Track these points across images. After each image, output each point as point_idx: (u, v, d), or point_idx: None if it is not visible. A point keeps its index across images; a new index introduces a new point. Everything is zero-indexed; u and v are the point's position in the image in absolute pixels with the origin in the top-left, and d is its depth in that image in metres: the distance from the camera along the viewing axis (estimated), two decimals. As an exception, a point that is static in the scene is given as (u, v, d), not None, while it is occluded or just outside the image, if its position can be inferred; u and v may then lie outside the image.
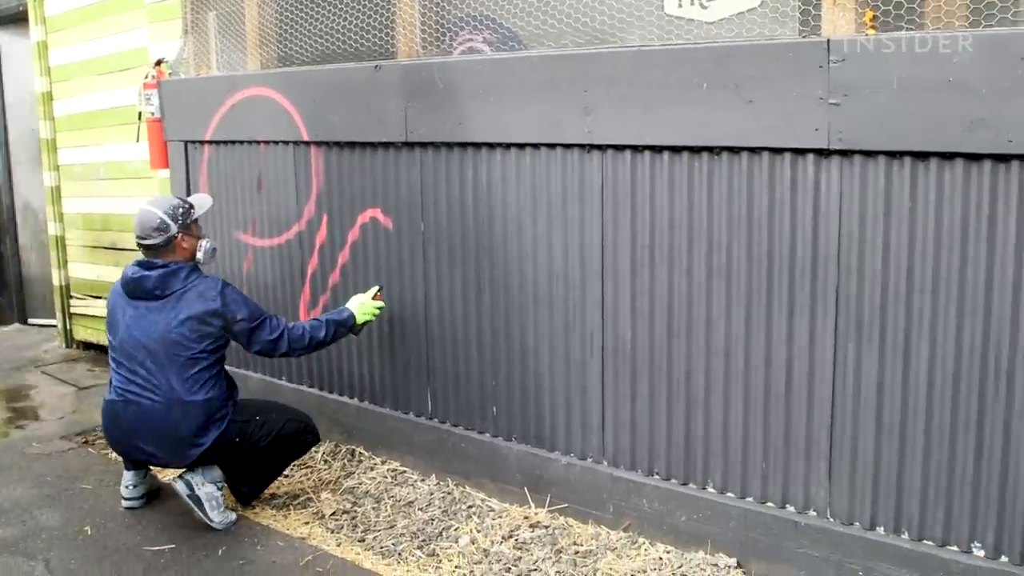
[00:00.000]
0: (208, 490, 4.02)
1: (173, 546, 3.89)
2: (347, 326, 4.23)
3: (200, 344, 3.93)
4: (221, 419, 3.98)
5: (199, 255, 4.12)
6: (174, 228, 4.00)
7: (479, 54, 4.03)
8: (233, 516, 4.10)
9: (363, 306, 4.29)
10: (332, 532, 4.01)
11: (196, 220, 4.14)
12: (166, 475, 4.41)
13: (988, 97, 2.76)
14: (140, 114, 5.60)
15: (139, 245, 4.05)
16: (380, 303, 4.36)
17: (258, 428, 4.06)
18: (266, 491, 4.33)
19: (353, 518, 4.12)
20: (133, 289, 3.99)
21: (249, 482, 4.20)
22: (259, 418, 4.08)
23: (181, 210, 4.07)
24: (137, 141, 5.76)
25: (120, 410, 4.00)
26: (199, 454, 3.94)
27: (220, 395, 4.00)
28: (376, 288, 4.39)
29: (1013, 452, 2.93)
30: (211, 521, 4.00)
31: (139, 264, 4.02)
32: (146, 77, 5.51)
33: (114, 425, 4.05)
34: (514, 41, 3.95)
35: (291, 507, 4.25)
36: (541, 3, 3.77)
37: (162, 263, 3.98)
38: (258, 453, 4.10)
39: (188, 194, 5.41)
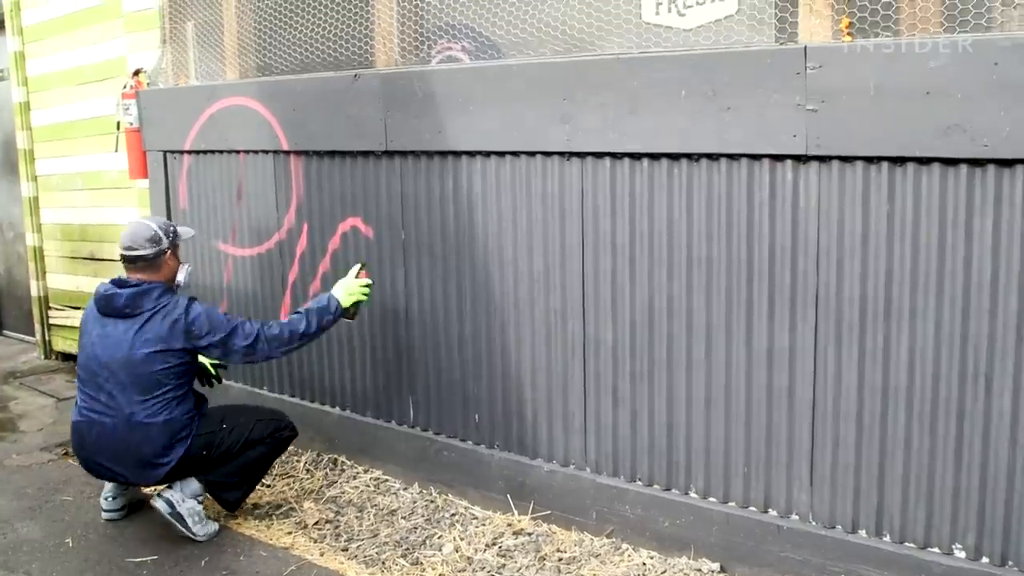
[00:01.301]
0: (189, 505, 3.99)
1: (155, 557, 3.88)
2: (332, 312, 4.07)
3: (163, 365, 3.87)
4: (185, 437, 3.93)
5: (180, 277, 4.11)
6: (165, 243, 4.01)
7: (458, 63, 4.04)
8: (215, 527, 4.09)
9: (348, 288, 4.15)
10: (315, 541, 4.00)
11: (178, 245, 4.14)
12: (149, 489, 4.38)
13: (963, 102, 2.79)
14: (119, 124, 5.59)
15: (124, 258, 4.00)
16: (366, 281, 4.19)
17: (227, 435, 4.03)
18: (248, 501, 4.32)
19: (336, 527, 4.11)
20: (104, 306, 3.94)
21: (231, 488, 4.15)
22: (226, 425, 4.05)
23: (172, 229, 4.10)
24: (116, 151, 5.75)
25: (85, 430, 3.96)
26: (166, 473, 3.92)
27: (183, 413, 3.94)
28: (359, 265, 4.23)
29: (992, 453, 2.96)
30: (194, 535, 3.98)
31: (113, 282, 3.99)
32: (124, 87, 5.49)
33: (80, 445, 4.01)
34: (493, 50, 3.96)
35: (274, 517, 4.24)
36: (519, 12, 3.79)
37: (136, 281, 3.95)
38: (232, 459, 4.06)
39: (168, 204, 5.41)
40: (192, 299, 4.00)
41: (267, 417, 4.22)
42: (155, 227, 4.01)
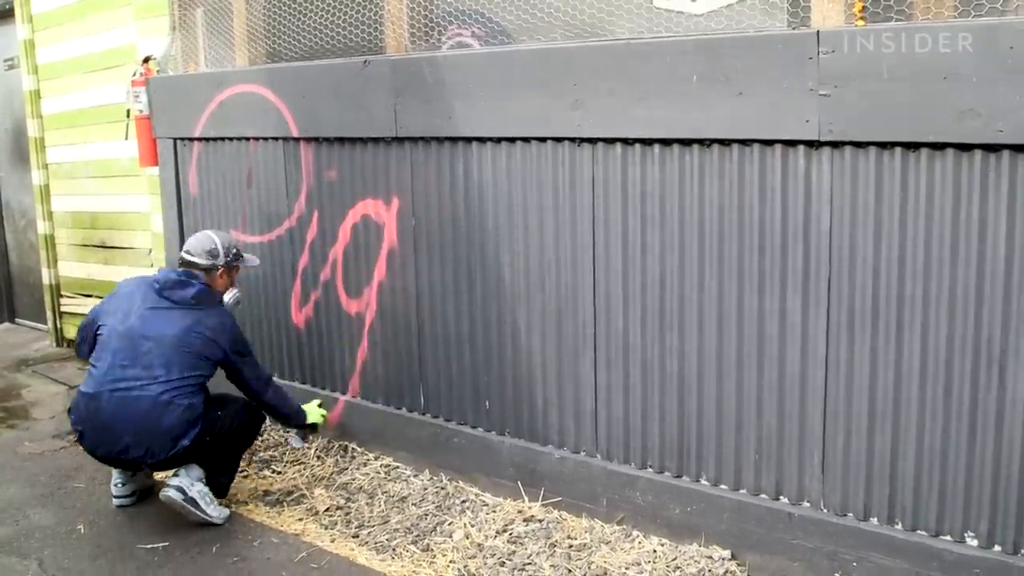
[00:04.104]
0: (199, 488, 4.02)
1: (167, 544, 3.89)
2: (298, 419, 4.53)
3: (203, 358, 4.01)
4: (197, 422, 3.95)
5: (226, 297, 4.32)
6: (221, 260, 4.24)
7: (468, 48, 4.02)
8: (227, 510, 4.11)
9: (311, 410, 4.62)
10: (326, 528, 4.01)
11: (238, 268, 4.39)
12: (159, 475, 4.39)
13: (978, 87, 2.77)
14: (128, 112, 5.58)
15: (181, 260, 4.24)
16: (322, 412, 4.73)
17: (222, 420, 4.09)
18: (259, 488, 4.35)
19: (347, 514, 4.12)
20: (169, 288, 4.08)
21: (225, 472, 4.22)
22: (220, 412, 4.09)
23: (235, 251, 4.33)
24: (126, 139, 5.75)
25: (102, 401, 3.90)
26: (176, 454, 3.93)
27: (201, 402, 4.00)
28: (319, 400, 4.78)
29: (1006, 440, 2.94)
30: (210, 517, 4.01)
31: (183, 272, 4.16)
32: (134, 74, 5.49)
33: (90, 417, 3.94)
34: (503, 35, 3.94)
35: (285, 504, 4.25)
36: (529, -3, 3.77)
37: (204, 281, 4.17)
38: (226, 443, 4.13)
39: (178, 191, 5.41)
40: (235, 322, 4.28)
41: (247, 402, 4.29)
42: (217, 243, 4.26)
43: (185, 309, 4.05)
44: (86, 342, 4.19)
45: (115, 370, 3.94)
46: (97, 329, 4.10)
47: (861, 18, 3.05)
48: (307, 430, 4.68)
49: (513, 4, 3.83)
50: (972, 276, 2.91)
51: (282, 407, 4.39)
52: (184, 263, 4.21)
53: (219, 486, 4.20)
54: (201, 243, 4.24)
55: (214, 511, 4.04)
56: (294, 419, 4.49)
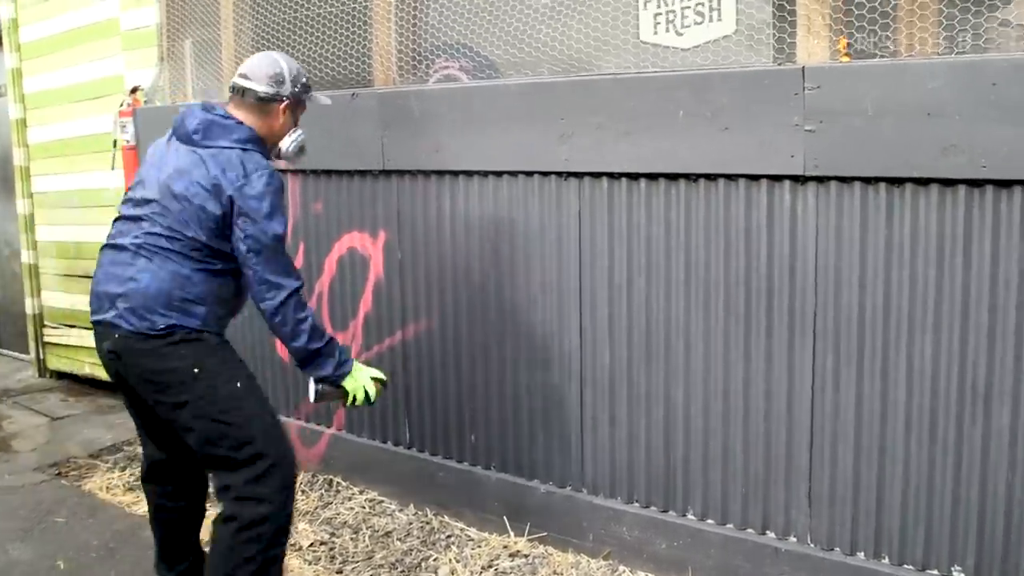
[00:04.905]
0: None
1: (148, 580, 3.84)
2: (336, 373, 3.25)
3: (207, 212, 3.05)
4: (184, 304, 3.07)
5: (285, 141, 3.32)
6: (287, 88, 3.22)
7: (455, 82, 4.04)
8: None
9: (362, 375, 3.33)
10: (310, 564, 3.97)
11: (304, 105, 3.38)
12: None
13: (961, 123, 2.79)
14: (115, 142, 5.57)
15: (232, 87, 3.25)
16: (380, 376, 3.42)
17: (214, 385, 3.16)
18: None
19: (331, 549, 4.08)
20: (177, 127, 3.18)
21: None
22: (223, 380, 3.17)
23: (304, 80, 3.31)
24: (112, 169, 5.72)
25: (100, 257, 3.23)
26: (151, 331, 3.04)
27: (201, 280, 3.10)
28: (383, 375, 3.45)
29: (991, 473, 2.94)
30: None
31: (201, 104, 3.24)
32: (121, 105, 5.48)
33: (93, 282, 3.22)
34: (490, 69, 3.96)
35: (268, 538, 4.21)
36: (517, 31, 3.79)
37: (224, 112, 3.19)
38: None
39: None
40: (277, 177, 3.14)
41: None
42: (284, 66, 3.23)
43: (188, 149, 3.11)
44: None
45: (114, 226, 3.23)
46: None
47: (846, 55, 3.08)
48: (336, 393, 3.31)
49: (501, 38, 3.85)
50: (957, 310, 2.92)
51: (296, 341, 3.16)
52: (235, 90, 3.22)
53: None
54: (265, 65, 3.22)
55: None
56: (321, 368, 3.23)
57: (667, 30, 3.49)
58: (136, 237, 3.11)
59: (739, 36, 3.33)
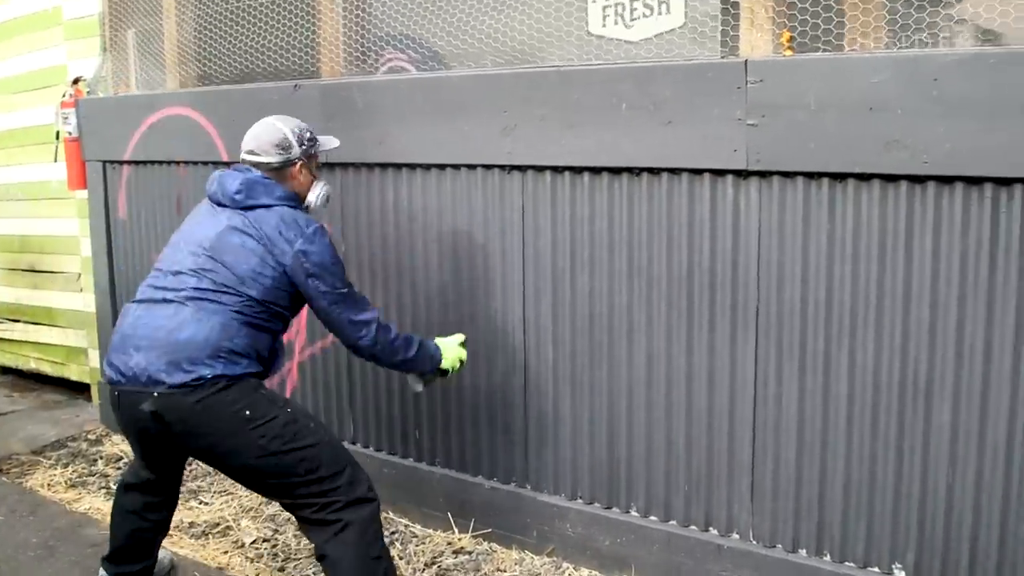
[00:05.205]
0: None
1: (81, 581, 3.77)
2: (433, 365, 3.41)
3: (258, 272, 3.06)
4: (231, 355, 3.00)
5: (311, 197, 3.32)
6: (296, 151, 3.23)
7: (399, 74, 3.98)
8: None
9: (450, 350, 3.48)
10: (251, 561, 3.91)
11: (317, 156, 3.38)
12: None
13: (904, 118, 2.78)
14: (58, 133, 5.47)
15: (244, 162, 3.27)
16: (463, 353, 3.55)
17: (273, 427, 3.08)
18: (184, 520, 4.23)
19: (274, 546, 4.02)
20: (214, 191, 3.20)
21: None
22: (279, 417, 3.08)
23: (308, 135, 3.30)
24: (55, 161, 5.62)
25: (127, 316, 3.14)
26: (188, 382, 2.93)
27: (246, 336, 3.05)
28: (463, 337, 3.59)
29: (932, 469, 2.94)
30: None
31: (235, 166, 3.27)
32: (64, 96, 5.38)
33: (115, 343, 3.12)
34: (436, 61, 3.91)
35: (210, 536, 4.14)
36: (466, 24, 3.74)
37: (260, 173, 3.20)
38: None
39: (107, 215, 5.29)
40: (324, 229, 3.20)
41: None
42: (286, 131, 3.24)
43: (230, 212, 3.13)
44: None
45: (145, 289, 3.18)
46: None
47: (789, 48, 3.05)
48: (436, 375, 3.49)
49: (446, 30, 3.79)
50: (899, 306, 2.91)
51: (395, 358, 3.29)
52: (251, 167, 3.24)
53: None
54: (268, 135, 3.22)
55: None
56: (419, 368, 3.40)
57: (616, 23, 3.45)
58: (179, 292, 3.06)
59: (687, 29, 3.30)
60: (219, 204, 3.18)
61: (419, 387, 3.48)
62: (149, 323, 3.03)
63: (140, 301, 3.14)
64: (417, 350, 3.32)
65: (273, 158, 3.20)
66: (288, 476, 3.03)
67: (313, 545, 3.12)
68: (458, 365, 3.50)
